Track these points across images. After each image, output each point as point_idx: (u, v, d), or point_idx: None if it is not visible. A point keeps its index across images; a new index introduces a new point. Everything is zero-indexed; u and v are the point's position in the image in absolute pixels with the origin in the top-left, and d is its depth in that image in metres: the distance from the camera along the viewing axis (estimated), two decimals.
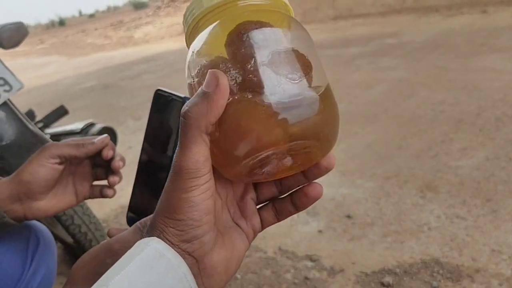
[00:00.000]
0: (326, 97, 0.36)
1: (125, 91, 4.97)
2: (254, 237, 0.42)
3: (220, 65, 0.34)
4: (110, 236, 0.55)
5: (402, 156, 2.14)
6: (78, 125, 1.55)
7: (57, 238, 1.61)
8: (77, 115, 3.79)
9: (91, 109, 4.34)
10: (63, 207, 0.66)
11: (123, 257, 0.33)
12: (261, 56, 0.33)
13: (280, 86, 0.33)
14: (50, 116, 1.77)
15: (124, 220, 2.03)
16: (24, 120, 1.24)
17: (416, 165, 2.02)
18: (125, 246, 0.44)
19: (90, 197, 0.69)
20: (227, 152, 0.34)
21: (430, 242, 1.50)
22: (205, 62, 0.36)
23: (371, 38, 5.35)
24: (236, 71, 0.34)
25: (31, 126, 1.24)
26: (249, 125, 0.32)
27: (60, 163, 0.62)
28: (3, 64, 1.22)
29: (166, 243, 0.33)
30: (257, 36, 0.34)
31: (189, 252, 0.33)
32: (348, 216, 1.71)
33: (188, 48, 0.39)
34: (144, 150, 0.61)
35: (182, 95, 0.57)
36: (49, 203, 0.64)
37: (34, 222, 0.75)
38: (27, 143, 1.20)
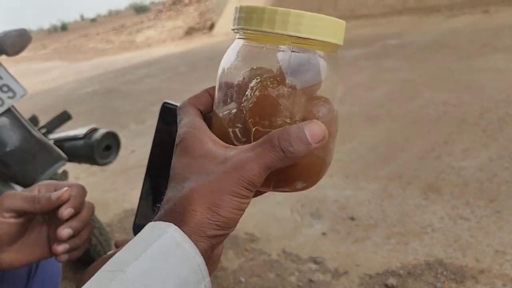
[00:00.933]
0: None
1: (128, 95, 4.99)
2: None
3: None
4: (117, 247, 0.55)
5: (405, 157, 2.14)
6: (81, 131, 1.56)
7: None
8: (80, 120, 3.80)
9: (94, 114, 4.35)
10: (32, 260, 0.60)
11: (137, 238, 0.35)
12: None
13: None
14: (54, 122, 1.77)
15: (128, 225, 2.04)
16: (28, 127, 1.24)
17: (419, 166, 2.02)
18: None
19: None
20: None
21: (433, 243, 1.50)
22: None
23: (373, 39, 5.35)
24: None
25: (35, 132, 1.25)
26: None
27: (17, 216, 0.57)
28: (6, 71, 1.23)
29: (185, 232, 0.34)
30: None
31: (209, 245, 0.35)
32: (352, 218, 1.71)
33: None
34: (151, 161, 0.61)
35: None
36: (14, 256, 0.58)
37: None
38: (31, 150, 1.20)
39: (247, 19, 0.37)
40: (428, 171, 1.96)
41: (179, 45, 8.77)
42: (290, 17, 0.35)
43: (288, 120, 0.37)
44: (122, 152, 1.69)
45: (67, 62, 9.43)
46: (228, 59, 0.40)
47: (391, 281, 1.34)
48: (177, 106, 0.60)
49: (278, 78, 0.37)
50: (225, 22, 9.27)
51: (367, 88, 3.40)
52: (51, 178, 1.34)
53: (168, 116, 0.61)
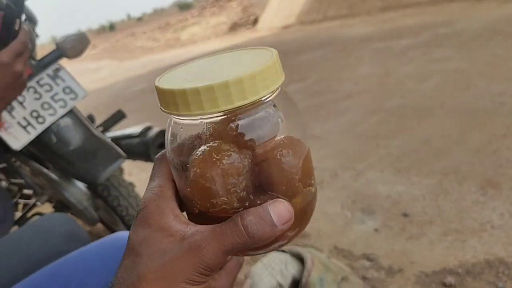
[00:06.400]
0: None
1: None
2: None
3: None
4: None
5: (460, 151, 2.06)
6: (136, 129, 1.62)
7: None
8: (131, 117, 3.93)
9: (143, 111, 4.48)
10: None
11: None
12: None
13: None
14: (109, 121, 1.84)
15: None
16: (89, 126, 1.30)
17: (476, 161, 1.94)
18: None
19: None
20: None
21: (493, 241, 1.44)
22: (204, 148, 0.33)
23: (422, 28, 5.17)
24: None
25: (95, 131, 1.30)
26: None
27: None
28: (68, 73, 1.29)
29: None
30: None
31: None
32: (405, 214, 1.67)
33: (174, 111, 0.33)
34: None
35: None
36: None
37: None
38: (92, 148, 1.26)
39: (171, 104, 0.32)
40: (485, 165, 1.88)
41: (224, 41, 8.84)
42: (216, 92, 0.30)
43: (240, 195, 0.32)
44: None
45: (116, 61, 9.76)
46: (166, 137, 0.37)
47: (449, 279, 1.30)
48: None
49: (220, 147, 0.32)
50: (269, 17, 9.26)
51: (417, 80, 3.29)
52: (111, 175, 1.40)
53: None
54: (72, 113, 1.28)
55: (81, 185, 1.44)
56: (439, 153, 2.10)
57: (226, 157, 0.32)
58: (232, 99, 0.30)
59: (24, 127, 1.20)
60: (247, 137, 0.32)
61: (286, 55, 5.43)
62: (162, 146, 1.56)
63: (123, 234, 0.80)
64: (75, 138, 1.26)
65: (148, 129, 1.59)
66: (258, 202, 0.33)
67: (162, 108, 0.34)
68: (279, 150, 0.33)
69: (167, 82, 0.34)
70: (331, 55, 5.01)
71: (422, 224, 1.59)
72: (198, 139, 0.34)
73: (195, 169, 0.33)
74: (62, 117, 1.25)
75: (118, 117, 1.85)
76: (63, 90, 1.26)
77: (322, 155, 2.38)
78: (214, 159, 0.32)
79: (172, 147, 0.36)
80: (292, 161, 0.34)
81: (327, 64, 4.66)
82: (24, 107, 1.20)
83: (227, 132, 0.32)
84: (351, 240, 1.60)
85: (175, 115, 0.33)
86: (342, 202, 1.85)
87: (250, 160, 0.32)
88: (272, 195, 0.33)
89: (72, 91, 1.27)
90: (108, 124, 1.84)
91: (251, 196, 0.33)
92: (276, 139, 0.33)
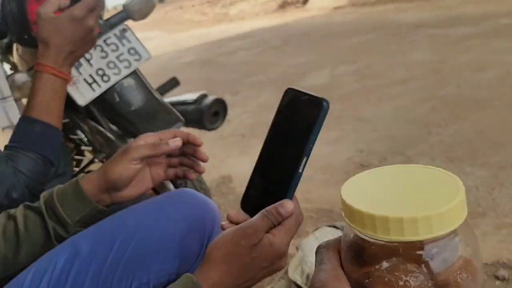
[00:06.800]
0: None
1: (222, 67, 5.11)
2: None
3: None
4: (229, 220, 0.62)
5: None
6: (192, 96, 1.63)
7: None
8: (179, 88, 3.99)
9: (191, 82, 4.52)
10: (142, 191, 0.78)
11: None
12: None
13: None
14: (164, 87, 1.87)
15: (224, 189, 2.12)
16: (151, 88, 1.33)
17: None
18: (257, 231, 0.53)
19: (166, 179, 0.82)
20: None
21: None
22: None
23: (482, 17, 4.93)
24: None
25: (156, 94, 1.33)
26: None
27: (140, 163, 0.73)
28: (134, 35, 1.31)
29: None
30: None
31: None
32: None
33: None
34: (267, 142, 0.63)
35: (319, 95, 0.57)
36: (131, 191, 0.76)
37: (207, 200, 0.80)
38: (153, 110, 1.28)
39: (368, 225, 0.33)
40: None
41: (272, 19, 8.74)
42: (419, 222, 0.32)
43: None
44: None
45: (165, 32, 9.86)
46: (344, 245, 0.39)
47: (502, 273, 1.26)
48: (302, 92, 0.61)
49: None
50: None
51: (475, 69, 3.16)
52: None
53: (290, 101, 0.61)
54: (135, 74, 1.30)
55: None
56: (495, 145, 2.02)
57: (413, 278, 0.33)
58: (432, 229, 0.32)
59: (90, 84, 1.23)
60: (432, 264, 0.34)
61: (337, 37, 5.33)
62: (216, 114, 1.57)
63: (188, 190, 0.82)
64: (137, 98, 1.28)
65: (203, 96, 1.60)
66: None
67: (352, 224, 0.35)
68: (459, 273, 0.34)
69: (356, 196, 0.35)
70: (383, 39, 4.87)
71: (475, 215, 1.54)
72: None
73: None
74: (126, 77, 1.27)
75: (172, 84, 1.88)
76: (128, 51, 1.28)
77: (371, 138, 2.34)
78: (404, 281, 0.33)
79: (351, 262, 0.37)
80: (471, 285, 0.35)
81: (379, 48, 4.53)
82: (90, 64, 1.23)
83: (415, 256, 0.34)
84: None
85: (381, 238, 0.33)
86: None
87: (433, 282, 0.34)
88: None
89: (136, 52, 1.29)
90: (163, 90, 1.87)
91: None
92: (454, 264, 0.35)
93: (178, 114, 1.32)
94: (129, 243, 0.72)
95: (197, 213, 0.76)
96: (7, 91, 1.13)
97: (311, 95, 0.59)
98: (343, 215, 0.36)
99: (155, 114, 1.28)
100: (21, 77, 1.23)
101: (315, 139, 0.57)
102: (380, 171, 0.40)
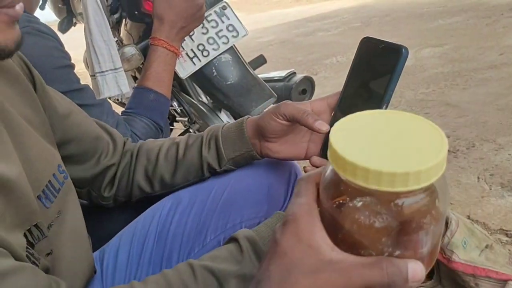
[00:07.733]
0: None
1: (301, 47, 5.10)
2: None
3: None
4: (312, 164, 0.70)
5: None
6: (281, 73, 1.67)
7: None
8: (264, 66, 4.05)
9: (271, 62, 4.55)
10: (290, 155, 0.77)
11: None
12: None
13: None
14: (252, 63, 1.93)
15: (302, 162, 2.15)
16: (246, 65, 1.38)
17: None
18: None
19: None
20: None
21: None
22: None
23: None
24: None
25: (251, 70, 1.38)
26: None
27: (286, 120, 0.72)
28: (233, 12, 1.37)
29: None
30: None
31: None
32: None
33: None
34: (345, 90, 0.67)
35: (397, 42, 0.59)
36: (278, 147, 0.76)
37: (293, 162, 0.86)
38: (248, 85, 1.34)
39: (360, 175, 0.34)
40: None
41: (351, 1, 8.52)
42: (411, 175, 0.32)
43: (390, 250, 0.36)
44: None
45: (244, 13, 9.95)
46: (324, 179, 0.40)
47: None
48: (379, 40, 0.62)
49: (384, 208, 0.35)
50: None
51: None
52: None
53: (367, 51, 0.63)
54: (232, 50, 1.36)
55: (226, 119, 1.56)
56: None
57: (380, 219, 0.35)
58: (408, 184, 0.33)
59: (191, 58, 1.31)
60: (403, 211, 0.35)
61: (421, 18, 5.09)
62: (304, 92, 1.60)
63: None
64: (232, 73, 1.35)
65: (292, 74, 1.64)
66: (396, 254, 0.36)
67: (335, 167, 0.36)
68: (424, 215, 0.36)
69: (342, 140, 0.36)
70: (473, 21, 4.58)
71: None
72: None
73: (353, 225, 0.36)
74: (223, 52, 1.34)
75: (260, 61, 1.93)
76: (227, 28, 1.34)
77: (458, 124, 2.25)
78: (372, 220, 0.35)
79: (328, 192, 0.39)
80: (434, 229, 0.37)
81: (468, 31, 4.27)
82: (192, 40, 1.31)
83: (391, 205, 0.35)
84: (486, 212, 1.53)
85: (360, 184, 0.34)
86: (479, 173, 1.76)
87: (397, 224, 0.36)
88: (406, 253, 0.37)
89: (234, 29, 1.35)
90: (251, 66, 1.93)
91: (391, 249, 0.37)
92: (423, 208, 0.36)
93: (271, 90, 1.37)
94: (224, 190, 0.81)
95: (281, 168, 0.84)
96: (118, 63, 1.24)
97: (389, 42, 0.60)
98: (327, 154, 0.37)
99: (250, 89, 1.33)
100: (130, 50, 1.33)
101: (395, 86, 0.58)
102: (369, 115, 0.39)
